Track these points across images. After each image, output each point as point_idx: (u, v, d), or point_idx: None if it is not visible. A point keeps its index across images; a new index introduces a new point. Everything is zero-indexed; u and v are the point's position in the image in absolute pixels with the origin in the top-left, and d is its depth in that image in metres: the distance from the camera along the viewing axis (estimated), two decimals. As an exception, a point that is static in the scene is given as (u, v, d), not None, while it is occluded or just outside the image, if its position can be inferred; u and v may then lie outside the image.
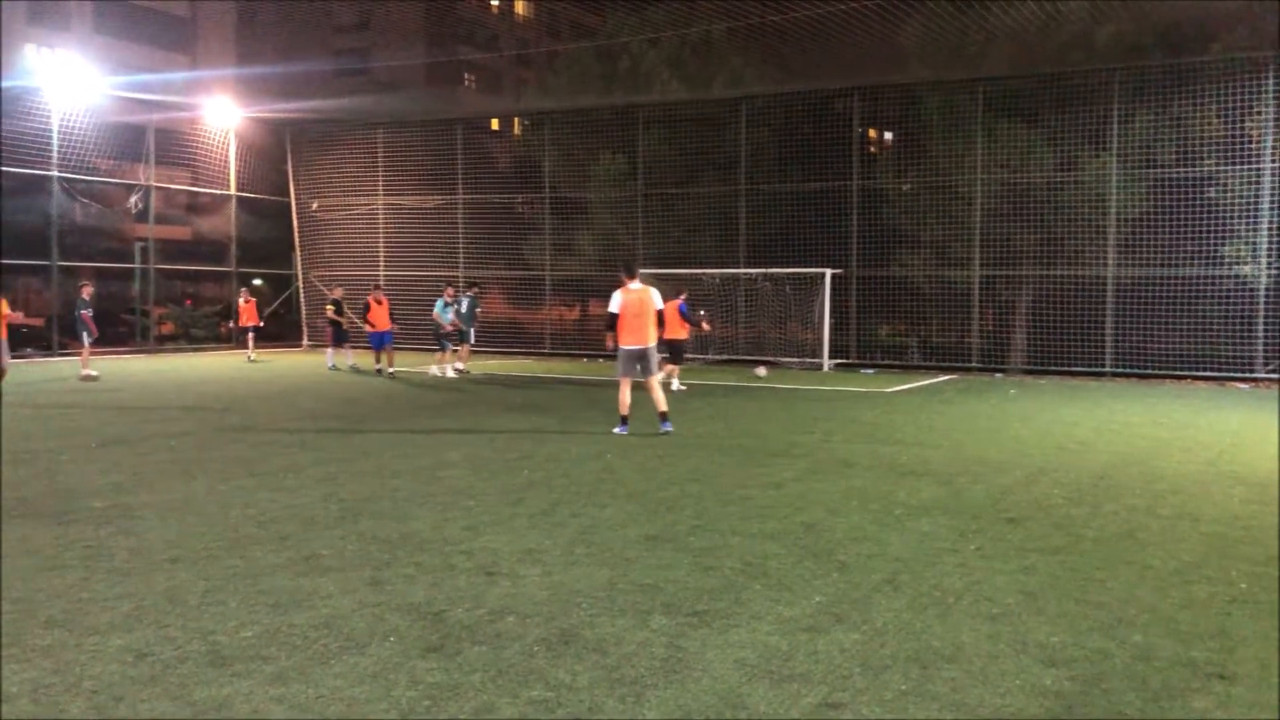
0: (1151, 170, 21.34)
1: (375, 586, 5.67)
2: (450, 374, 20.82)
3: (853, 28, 21.44)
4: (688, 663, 4.54)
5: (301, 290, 31.27)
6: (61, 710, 4.00)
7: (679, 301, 17.86)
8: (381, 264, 29.84)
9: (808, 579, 5.91)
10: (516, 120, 35.26)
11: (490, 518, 7.47)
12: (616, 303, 12.00)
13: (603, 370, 22.43)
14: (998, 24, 21.01)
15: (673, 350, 17.73)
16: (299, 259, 31.26)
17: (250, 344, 25.41)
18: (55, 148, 25.07)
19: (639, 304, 12.04)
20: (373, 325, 21.91)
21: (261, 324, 26.16)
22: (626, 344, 12.07)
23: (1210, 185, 20.83)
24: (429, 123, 29.54)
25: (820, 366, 23.43)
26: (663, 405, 12.16)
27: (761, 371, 21.32)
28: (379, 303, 21.88)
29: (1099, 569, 6.20)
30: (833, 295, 23.66)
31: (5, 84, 24.43)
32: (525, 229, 28.75)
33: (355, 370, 21.95)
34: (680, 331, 17.67)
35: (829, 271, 23.62)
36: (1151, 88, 21.28)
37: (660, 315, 12.34)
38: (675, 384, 17.72)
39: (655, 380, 12.28)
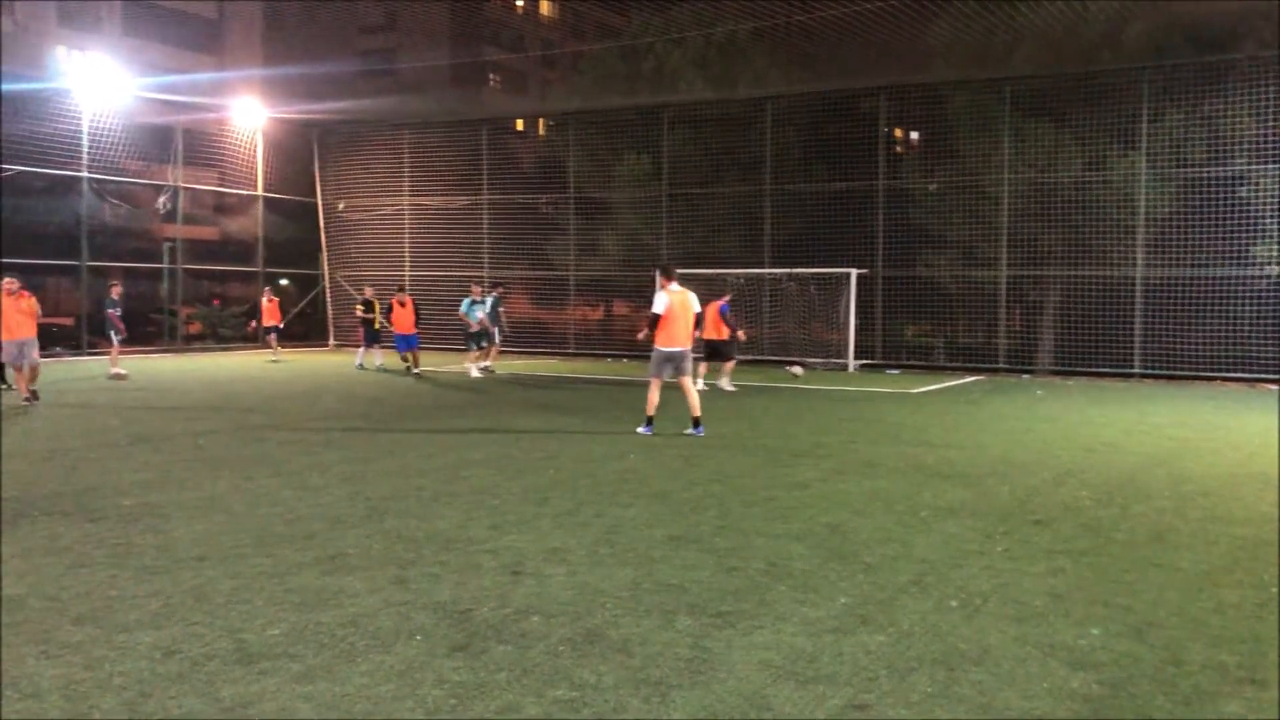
0: (1181, 169, 21.11)
1: (401, 585, 5.69)
2: (475, 373, 20.88)
3: (879, 27, 21.35)
4: (712, 663, 4.54)
5: (328, 290, 31.46)
6: (92, 706, 4.04)
7: (721, 302, 17.85)
8: (407, 264, 29.97)
9: (833, 580, 5.89)
10: (541, 121, 35.29)
11: (515, 517, 7.48)
12: (662, 304, 12.01)
13: (627, 370, 22.43)
14: (1025, 23, 20.85)
15: (710, 350, 17.73)
16: (325, 259, 31.45)
17: (273, 343, 25.50)
18: (85, 149, 25.33)
19: (681, 306, 12.12)
20: (394, 327, 22.03)
21: (282, 324, 26.27)
22: (665, 345, 12.09)
23: (1241, 184, 20.59)
24: (454, 123, 29.64)
25: (845, 367, 23.35)
26: (697, 410, 12.13)
27: (797, 370, 21.20)
28: (402, 305, 21.96)
29: (1127, 571, 6.15)
30: (858, 295, 23.56)
31: (16, 86, 24.58)
32: (550, 229, 28.76)
33: (382, 370, 22.05)
34: (718, 333, 17.65)
35: (854, 271, 23.54)
36: (1181, 86, 21.06)
37: (698, 318, 12.42)
38: (727, 383, 17.84)
39: (689, 381, 12.30)
